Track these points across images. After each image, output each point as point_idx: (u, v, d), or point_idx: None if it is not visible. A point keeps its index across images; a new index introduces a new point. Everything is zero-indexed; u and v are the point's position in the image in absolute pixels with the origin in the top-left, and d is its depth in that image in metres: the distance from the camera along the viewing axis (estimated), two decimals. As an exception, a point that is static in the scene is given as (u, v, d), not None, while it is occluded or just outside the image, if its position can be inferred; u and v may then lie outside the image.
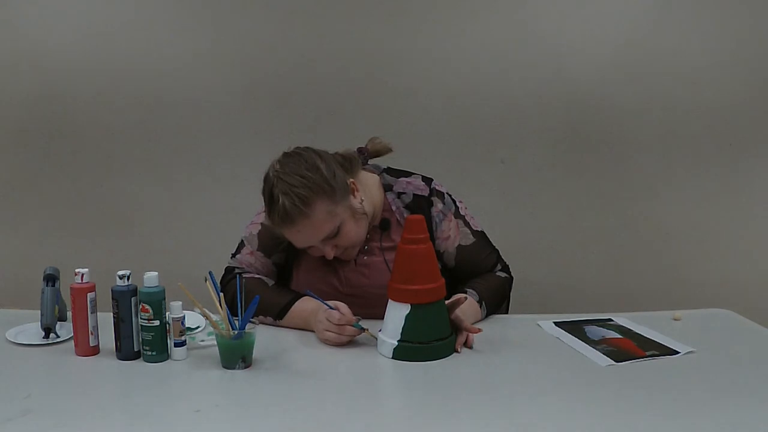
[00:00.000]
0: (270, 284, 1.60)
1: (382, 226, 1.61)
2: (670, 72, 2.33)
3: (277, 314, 1.53)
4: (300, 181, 1.44)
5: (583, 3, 2.30)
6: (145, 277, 1.33)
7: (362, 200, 1.55)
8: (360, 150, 1.68)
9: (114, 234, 2.37)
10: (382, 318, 1.40)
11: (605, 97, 2.34)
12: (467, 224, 1.65)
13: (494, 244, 1.72)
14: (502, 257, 1.73)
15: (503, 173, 2.37)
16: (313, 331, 1.48)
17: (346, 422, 1.11)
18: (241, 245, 1.66)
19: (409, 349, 1.34)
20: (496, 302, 1.64)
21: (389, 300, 1.38)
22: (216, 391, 1.24)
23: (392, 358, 1.35)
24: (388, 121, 2.28)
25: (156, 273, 1.33)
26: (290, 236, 1.51)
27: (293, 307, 1.52)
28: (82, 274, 1.35)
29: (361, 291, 1.58)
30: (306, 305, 1.51)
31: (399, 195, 1.62)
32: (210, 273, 1.38)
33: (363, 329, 1.42)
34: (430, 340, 1.35)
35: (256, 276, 1.61)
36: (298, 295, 1.54)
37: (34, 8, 2.27)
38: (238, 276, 1.51)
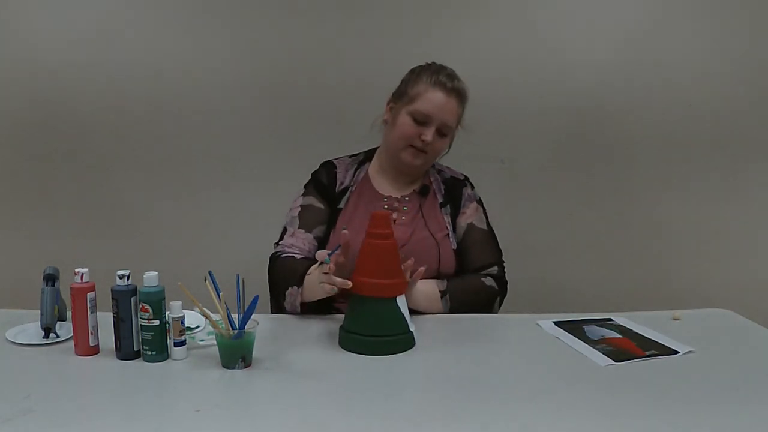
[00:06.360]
0: (300, 258, 1.62)
1: (421, 191, 1.76)
2: (670, 74, 2.33)
3: (298, 280, 1.54)
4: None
5: (584, 3, 2.31)
6: (145, 277, 1.33)
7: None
8: None
9: (114, 234, 2.37)
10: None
11: (605, 97, 2.35)
12: (485, 216, 1.80)
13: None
14: (505, 271, 1.75)
15: (503, 173, 2.37)
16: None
17: (346, 422, 1.11)
18: (284, 232, 1.71)
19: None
20: (467, 301, 1.64)
21: (393, 298, 1.39)
22: (216, 391, 1.24)
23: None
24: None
25: (156, 273, 1.33)
26: (432, 97, 1.64)
27: (309, 271, 1.54)
28: (82, 274, 1.35)
29: (403, 244, 1.64)
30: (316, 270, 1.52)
31: (439, 171, 1.82)
32: (210, 273, 1.38)
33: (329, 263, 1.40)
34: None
35: (291, 255, 1.63)
36: (316, 262, 1.55)
37: (36, 7, 2.27)
38: (237, 276, 1.51)
